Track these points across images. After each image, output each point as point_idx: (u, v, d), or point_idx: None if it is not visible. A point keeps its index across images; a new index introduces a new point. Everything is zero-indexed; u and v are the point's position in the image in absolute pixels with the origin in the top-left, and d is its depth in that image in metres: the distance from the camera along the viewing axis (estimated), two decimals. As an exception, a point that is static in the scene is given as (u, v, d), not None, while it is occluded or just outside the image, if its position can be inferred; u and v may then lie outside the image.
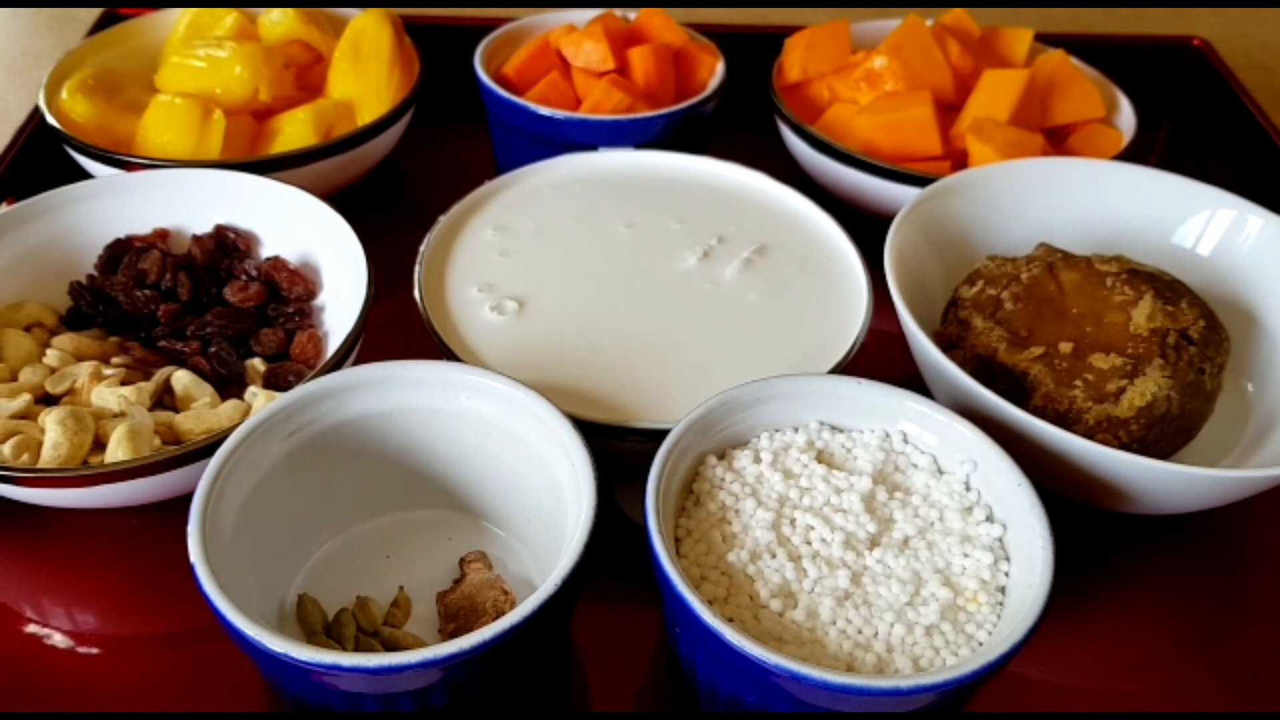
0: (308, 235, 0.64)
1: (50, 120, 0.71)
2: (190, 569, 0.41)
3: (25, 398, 0.54)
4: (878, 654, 0.43)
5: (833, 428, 0.51)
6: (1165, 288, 0.57)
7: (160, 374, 0.57)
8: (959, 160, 0.74)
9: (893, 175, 0.71)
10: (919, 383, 0.59)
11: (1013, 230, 0.66)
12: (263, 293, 0.62)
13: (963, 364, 0.55)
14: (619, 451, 0.52)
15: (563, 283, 0.61)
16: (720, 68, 0.81)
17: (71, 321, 0.61)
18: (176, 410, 0.56)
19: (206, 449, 0.49)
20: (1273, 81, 1.03)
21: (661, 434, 0.47)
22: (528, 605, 0.40)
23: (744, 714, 0.43)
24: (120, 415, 0.54)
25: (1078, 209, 0.67)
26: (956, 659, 0.43)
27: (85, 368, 0.56)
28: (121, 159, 0.68)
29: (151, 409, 0.55)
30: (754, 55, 0.84)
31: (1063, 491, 0.53)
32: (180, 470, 0.50)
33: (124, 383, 0.56)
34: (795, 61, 0.81)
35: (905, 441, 0.50)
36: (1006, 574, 0.46)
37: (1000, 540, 0.47)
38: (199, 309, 0.62)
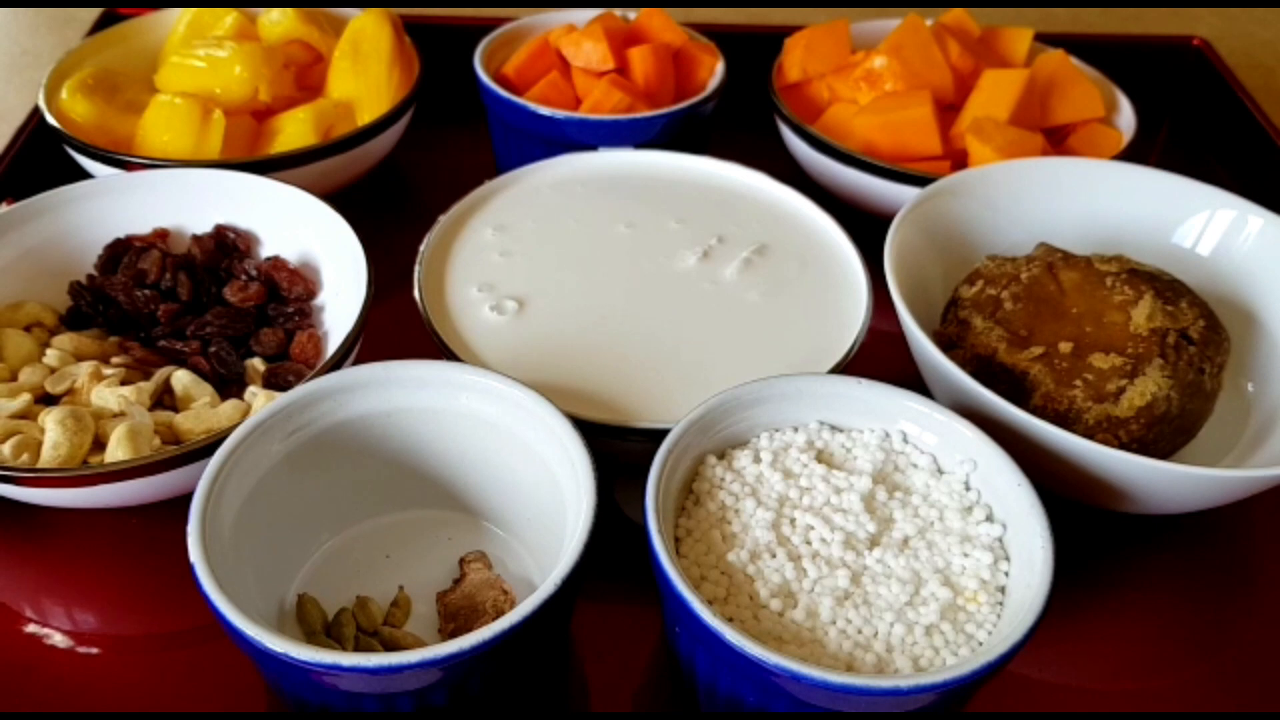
0: (308, 235, 0.64)
1: (50, 120, 0.71)
2: (190, 569, 0.41)
3: (25, 398, 0.54)
4: (877, 654, 0.43)
5: (832, 427, 0.51)
6: (1165, 287, 0.57)
7: (160, 374, 0.57)
8: (959, 160, 0.74)
9: (893, 175, 0.71)
10: (919, 383, 0.59)
11: (1013, 230, 0.66)
12: (263, 293, 0.62)
13: (963, 364, 0.55)
14: (619, 451, 0.52)
15: (563, 283, 0.61)
16: (720, 68, 0.81)
17: (71, 321, 0.61)
18: (176, 410, 0.56)
19: (206, 449, 0.49)
20: (1273, 81, 1.03)
21: (661, 434, 0.47)
22: (528, 605, 0.40)
23: (744, 714, 0.43)
24: (120, 415, 0.54)
25: (1078, 209, 0.67)
26: (956, 659, 0.43)
27: (85, 368, 0.56)
28: (121, 159, 0.68)
29: (151, 409, 0.55)
30: (754, 55, 0.84)
31: (1063, 491, 0.53)
32: (180, 470, 0.50)
33: (124, 383, 0.56)
34: (795, 61, 0.81)
35: (905, 441, 0.50)
36: (1006, 574, 0.46)
37: (1000, 540, 0.47)
38: (199, 309, 0.61)
